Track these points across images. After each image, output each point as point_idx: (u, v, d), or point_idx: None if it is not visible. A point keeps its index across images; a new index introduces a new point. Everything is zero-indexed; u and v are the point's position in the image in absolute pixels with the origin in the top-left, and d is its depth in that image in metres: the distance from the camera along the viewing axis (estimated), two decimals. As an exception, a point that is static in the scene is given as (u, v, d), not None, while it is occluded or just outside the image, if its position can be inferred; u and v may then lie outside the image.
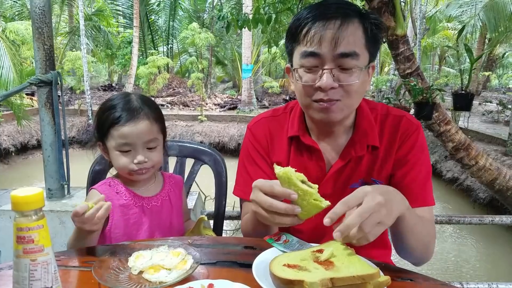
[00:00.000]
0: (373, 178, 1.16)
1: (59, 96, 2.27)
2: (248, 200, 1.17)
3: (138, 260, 0.93)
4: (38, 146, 9.99)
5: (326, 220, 0.82)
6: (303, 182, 0.87)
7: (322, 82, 1.00)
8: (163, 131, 1.30)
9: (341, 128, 1.16)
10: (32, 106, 10.90)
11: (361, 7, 1.08)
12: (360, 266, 0.80)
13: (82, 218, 1.01)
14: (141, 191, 1.30)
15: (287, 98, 15.57)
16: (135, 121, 1.20)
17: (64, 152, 2.30)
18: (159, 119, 1.27)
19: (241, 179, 1.26)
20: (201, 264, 0.92)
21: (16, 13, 14.44)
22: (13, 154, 9.58)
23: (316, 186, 0.88)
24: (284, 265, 0.82)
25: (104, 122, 1.22)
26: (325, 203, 0.85)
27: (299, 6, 3.56)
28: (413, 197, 1.07)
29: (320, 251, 0.87)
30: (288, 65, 1.13)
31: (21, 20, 13.42)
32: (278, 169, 0.86)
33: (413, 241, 1.01)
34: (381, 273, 0.79)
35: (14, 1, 14.32)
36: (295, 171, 0.88)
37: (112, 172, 1.42)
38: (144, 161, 1.21)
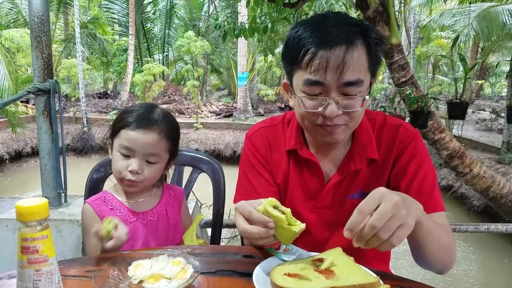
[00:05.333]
0: (371, 188, 1.15)
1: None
2: None
3: (138, 269, 0.92)
4: (33, 153, 9.94)
5: (346, 233, 0.79)
6: (275, 207, 0.87)
7: (327, 111, 0.98)
8: (171, 151, 1.29)
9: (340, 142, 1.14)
10: (27, 113, 10.84)
11: (360, 20, 1.05)
12: (360, 275, 0.81)
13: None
14: (137, 205, 1.28)
15: (282, 106, 15.64)
16: (145, 130, 1.20)
17: (61, 160, 2.29)
18: (171, 138, 1.26)
19: (242, 188, 1.23)
20: (201, 273, 0.92)
21: (12, 20, 14.45)
22: (7, 161, 9.52)
23: (289, 210, 0.87)
24: (285, 274, 0.82)
25: (119, 122, 1.23)
26: (299, 227, 0.85)
27: (295, 16, 3.60)
28: (422, 205, 1.03)
29: (320, 260, 0.88)
30: (287, 81, 1.10)
31: (17, 27, 13.41)
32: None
33: (434, 246, 0.97)
34: (381, 282, 0.80)
35: (9, 9, 14.32)
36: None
37: (112, 179, 1.41)
38: (137, 172, 1.20)
